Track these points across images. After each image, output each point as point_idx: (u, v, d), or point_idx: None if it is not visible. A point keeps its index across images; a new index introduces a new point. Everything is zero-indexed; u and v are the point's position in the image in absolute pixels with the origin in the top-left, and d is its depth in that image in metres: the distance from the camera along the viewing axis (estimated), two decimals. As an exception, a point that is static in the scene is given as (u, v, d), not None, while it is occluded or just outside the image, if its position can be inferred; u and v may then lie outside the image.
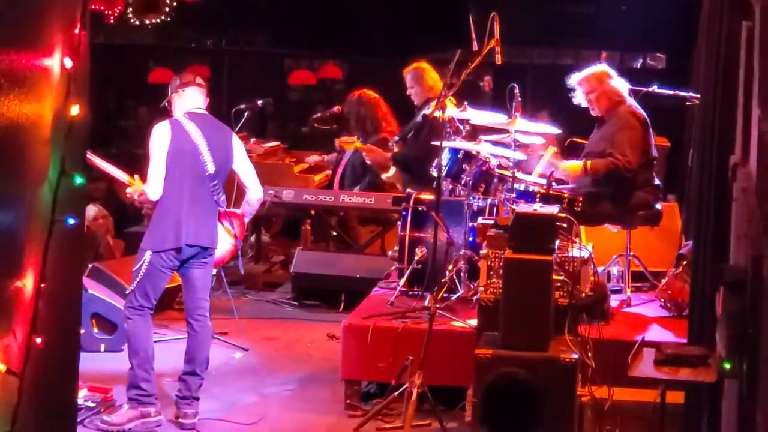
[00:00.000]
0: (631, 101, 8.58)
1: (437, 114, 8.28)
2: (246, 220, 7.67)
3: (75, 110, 4.87)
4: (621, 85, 8.56)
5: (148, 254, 7.13)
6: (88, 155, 7.31)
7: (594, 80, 8.52)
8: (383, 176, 9.88)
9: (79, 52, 4.89)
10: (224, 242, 7.44)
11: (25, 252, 4.62)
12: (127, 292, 7.31)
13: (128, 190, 7.36)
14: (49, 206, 4.74)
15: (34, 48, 4.65)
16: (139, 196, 7.27)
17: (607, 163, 8.31)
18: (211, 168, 7.20)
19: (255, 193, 7.52)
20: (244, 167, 7.48)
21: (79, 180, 4.94)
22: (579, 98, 8.62)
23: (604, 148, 8.41)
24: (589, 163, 8.38)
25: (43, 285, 4.66)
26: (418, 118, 9.46)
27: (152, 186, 7.13)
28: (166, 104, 7.46)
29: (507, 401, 4.70)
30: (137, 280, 7.15)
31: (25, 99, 4.55)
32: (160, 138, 7.17)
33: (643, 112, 8.50)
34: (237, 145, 7.48)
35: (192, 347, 7.30)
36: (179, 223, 7.11)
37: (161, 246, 7.12)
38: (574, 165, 8.45)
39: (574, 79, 8.61)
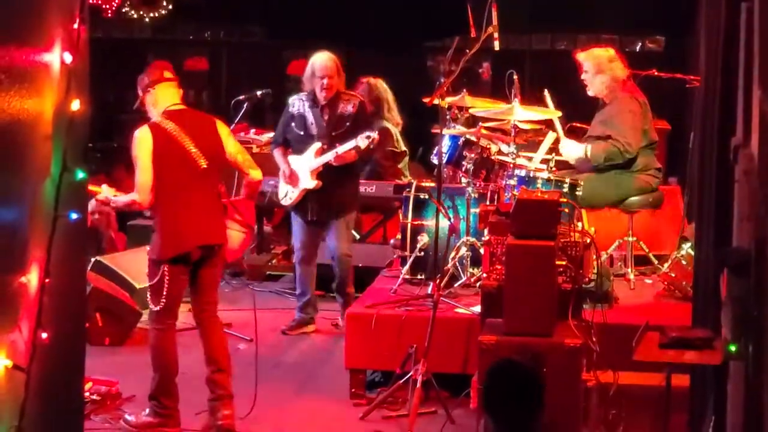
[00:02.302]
0: (632, 85, 8.56)
1: (436, 101, 8.26)
2: (251, 201, 7.41)
3: (75, 105, 4.87)
4: (623, 68, 8.53)
5: (164, 267, 6.89)
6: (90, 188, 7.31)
7: (596, 60, 8.50)
8: (311, 185, 8.91)
9: (79, 46, 4.88)
10: (236, 233, 7.22)
11: (29, 248, 4.63)
12: (155, 309, 6.98)
13: (98, 197, 7.15)
14: (52, 202, 4.74)
15: (34, 44, 4.64)
16: (125, 205, 7.15)
17: (607, 147, 8.31)
18: (203, 163, 6.96)
19: (253, 175, 7.27)
20: (236, 151, 7.21)
21: (81, 175, 4.94)
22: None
23: (604, 131, 8.41)
24: (589, 150, 8.36)
25: (47, 280, 4.67)
26: (348, 109, 8.84)
27: (142, 194, 6.91)
28: (139, 106, 7.19)
29: (509, 387, 4.72)
30: (164, 297, 6.92)
31: (25, 95, 4.55)
32: (141, 145, 6.92)
33: (643, 95, 8.49)
34: (223, 131, 7.20)
35: (210, 347, 7.12)
36: (186, 226, 6.92)
37: (174, 253, 6.90)
38: (576, 148, 8.44)
39: (579, 56, 8.59)
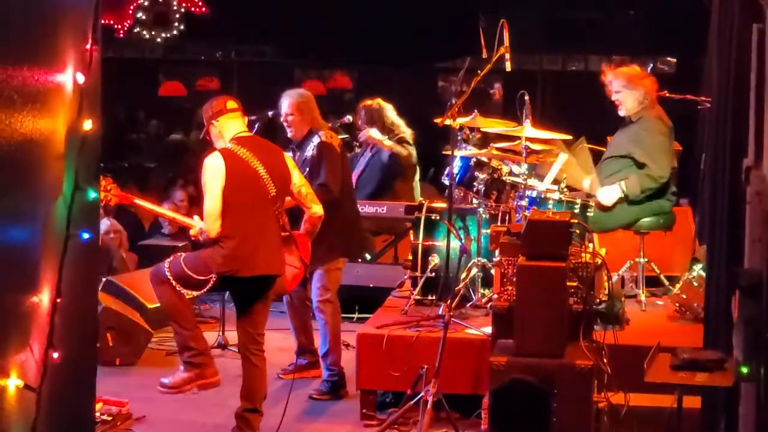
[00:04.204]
0: (660, 108, 8.52)
1: (448, 122, 8.25)
2: (310, 238, 7.35)
3: (88, 125, 4.89)
4: (652, 87, 8.49)
5: (213, 278, 6.83)
6: (136, 201, 7.26)
7: (627, 77, 8.45)
8: None
9: (91, 67, 4.91)
10: (290, 268, 7.12)
11: (41, 267, 4.64)
12: (180, 290, 6.86)
13: (191, 232, 7.05)
14: (64, 221, 4.76)
15: (47, 64, 4.67)
16: (200, 235, 6.94)
17: (641, 179, 8.25)
18: (272, 191, 6.87)
19: (315, 210, 7.22)
20: (300, 183, 7.17)
21: (92, 194, 4.96)
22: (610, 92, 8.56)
23: (631, 151, 8.36)
24: (624, 185, 8.30)
25: (59, 300, 4.68)
26: (309, 152, 8.27)
27: (209, 223, 6.79)
28: (206, 136, 7.12)
29: (516, 406, 4.71)
30: (195, 293, 6.89)
31: (38, 114, 4.57)
32: (213, 172, 6.80)
33: (669, 120, 8.46)
34: (290, 162, 7.16)
35: (251, 382, 7.01)
36: (255, 253, 6.80)
37: (238, 274, 6.81)
38: (610, 193, 8.36)
39: (606, 75, 8.54)
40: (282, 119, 8.48)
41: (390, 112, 10.52)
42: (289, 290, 7.40)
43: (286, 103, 8.41)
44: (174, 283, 6.88)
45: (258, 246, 6.83)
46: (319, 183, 8.07)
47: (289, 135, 8.46)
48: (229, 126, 7.01)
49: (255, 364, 7.03)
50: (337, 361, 8.16)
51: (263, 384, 7.06)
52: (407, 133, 10.52)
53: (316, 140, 8.26)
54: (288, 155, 7.29)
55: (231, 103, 7.07)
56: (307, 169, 8.19)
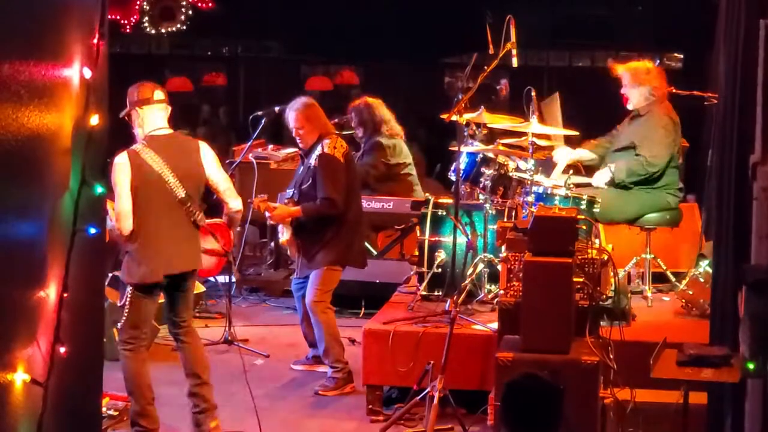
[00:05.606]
0: (668, 104, 8.52)
1: (454, 118, 8.25)
2: (231, 229, 7.44)
3: (95, 120, 4.89)
4: (662, 83, 8.50)
5: (131, 290, 6.94)
6: None
7: (634, 72, 8.46)
8: (281, 240, 8.69)
9: (98, 62, 4.91)
10: (212, 255, 7.22)
11: (48, 262, 4.64)
12: (118, 327, 7.10)
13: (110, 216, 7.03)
14: (71, 216, 4.76)
15: (54, 59, 4.67)
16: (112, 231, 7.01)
17: (629, 161, 8.27)
18: (180, 193, 6.85)
19: (233, 205, 7.17)
20: (218, 180, 7.09)
21: (99, 189, 4.96)
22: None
23: (632, 141, 8.37)
24: (612, 167, 8.31)
25: (65, 294, 4.68)
26: (312, 162, 8.20)
27: (122, 222, 6.81)
28: (125, 117, 7.01)
29: (528, 402, 4.71)
30: (124, 317, 6.99)
31: (45, 109, 4.57)
32: (120, 173, 6.78)
33: (676, 116, 8.46)
34: (208, 156, 7.06)
35: (188, 359, 7.13)
36: (160, 255, 6.87)
37: (145, 279, 6.91)
38: (601, 176, 8.38)
39: (618, 69, 8.55)
40: (293, 134, 8.42)
41: (378, 109, 10.43)
42: (211, 274, 7.67)
43: (293, 116, 8.32)
44: (127, 330, 7.02)
45: (165, 248, 6.89)
46: (323, 197, 8.12)
47: (300, 145, 8.41)
48: (151, 118, 6.96)
49: (185, 341, 7.16)
50: (338, 357, 8.16)
51: (201, 356, 7.16)
52: (397, 128, 10.47)
53: (319, 150, 8.20)
54: (206, 146, 7.14)
55: (158, 94, 6.98)
56: (310, 179, 8.20)
